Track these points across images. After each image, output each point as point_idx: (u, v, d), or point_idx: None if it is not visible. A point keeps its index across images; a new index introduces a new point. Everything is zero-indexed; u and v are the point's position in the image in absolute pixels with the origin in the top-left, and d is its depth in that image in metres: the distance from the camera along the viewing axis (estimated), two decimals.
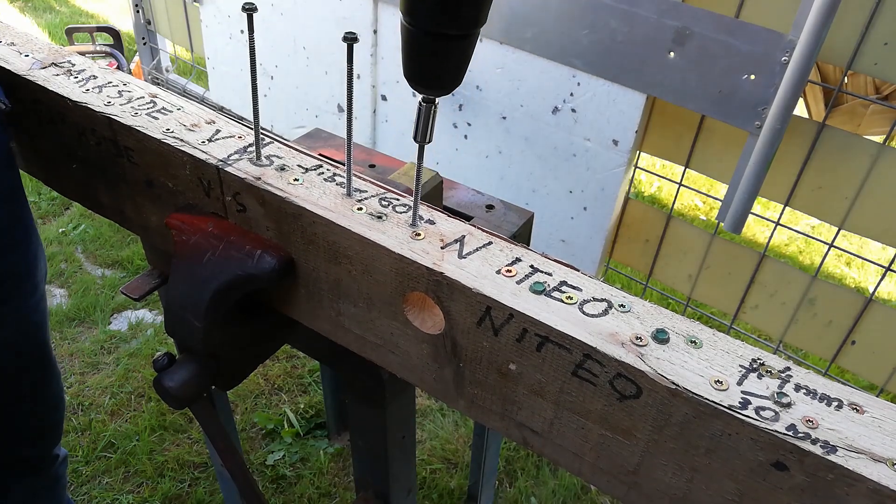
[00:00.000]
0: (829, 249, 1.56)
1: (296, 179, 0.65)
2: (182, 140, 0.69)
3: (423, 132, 0.53)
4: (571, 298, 0.54)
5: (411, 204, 0.63)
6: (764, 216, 2.07)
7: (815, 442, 0.44)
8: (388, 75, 1.99)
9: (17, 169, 0.82)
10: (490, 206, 1.00)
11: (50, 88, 0.76)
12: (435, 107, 0.52)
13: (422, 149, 0.57)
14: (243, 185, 0.65)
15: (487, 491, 1.57)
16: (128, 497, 1.71)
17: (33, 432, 1.02)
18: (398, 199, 0.64)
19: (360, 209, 0.62)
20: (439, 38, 0.47)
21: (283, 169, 0.66)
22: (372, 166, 1.03)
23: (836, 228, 1.51)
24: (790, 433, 0.44)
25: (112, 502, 1.70)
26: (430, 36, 0.47)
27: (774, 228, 1.62)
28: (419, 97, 0.52)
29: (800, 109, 1.42)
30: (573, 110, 1.61)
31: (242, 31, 2.38)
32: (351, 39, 0.54)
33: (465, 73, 0.50)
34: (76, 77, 0.79)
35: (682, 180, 1.69)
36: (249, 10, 0.56)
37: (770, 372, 0.49)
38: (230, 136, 0.71)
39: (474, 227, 0.61)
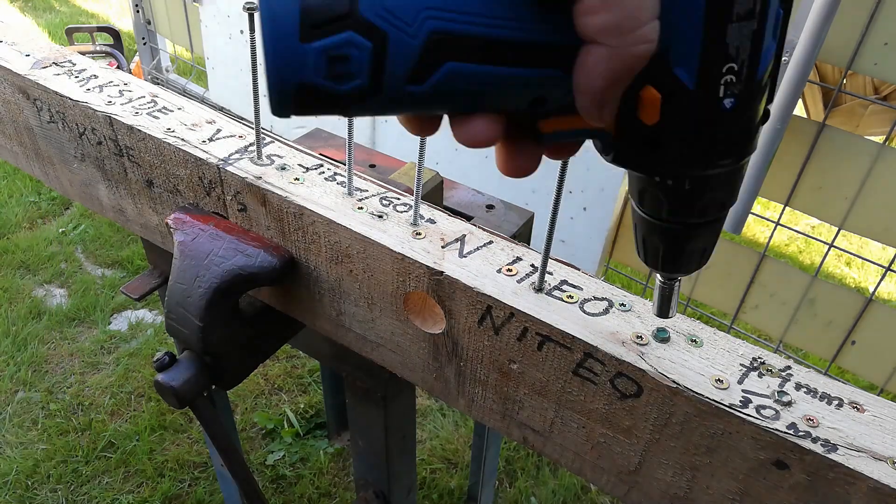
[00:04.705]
0: (829, 249, 1.56)
1: (297, 179, 0.65)
2: (183, 139, 0.69)
3: (666, 309, 0.47)
4: (572, 297, 0.54)
5: (412, 203, 0.63)
6: (764, 216, 2.08)
7: (815, 440, 0.44)
8: None
9: None
10: (490, 206, 1.00)
11: (51, 88, 0.76)
12: (679, 283, 0.45)
13: (422, 153, 0.57)
14: (244, 184, 0.65)
15: (487, 491, 1.57)
16: (128, 497, 1.71)
17: None
18: (399, 199, 0.64)
19: (361, 208, 0.62)
20: (699, 226, 0.39)
21: (283, 168, 0.66)
22: (372, 166, 1.03)
23: (836, 228, 1.51)
24: (791, 432, 0.44)
25: (112, 502, 1.70)
26: (686, 227, 0.39)
27: (774, 228, 1.63)
28: None
29: (798, 109, 1.42)
30: None
31: (242, 31, 2.38)
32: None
33: (712, 253, 0.42)
34: (77, 77, 0.79)
35: None
36: (250, 9, 0.57)
37: (770, 371, 0.49)
38: (231, 136, 0.71)
39: (475, 226, 0.61)
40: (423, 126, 0.36)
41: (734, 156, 0.35)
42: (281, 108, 0.31)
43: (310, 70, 0.29)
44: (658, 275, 0.44)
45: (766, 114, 0.35)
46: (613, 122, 0.35)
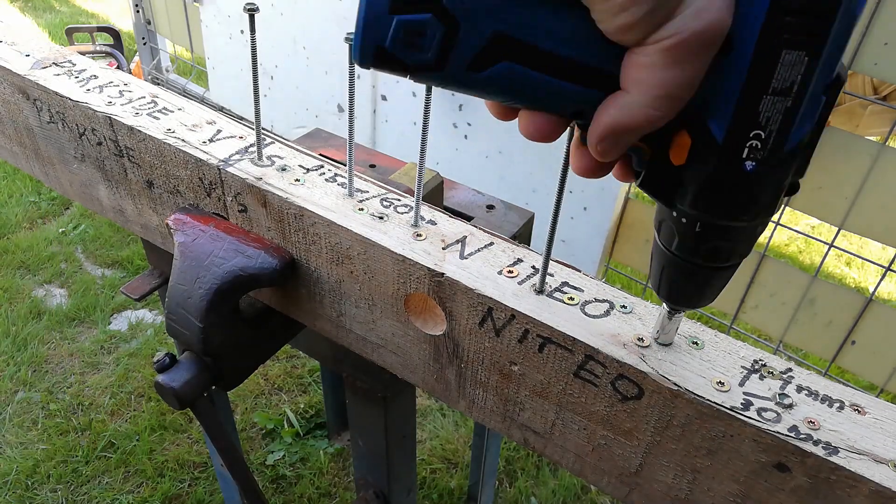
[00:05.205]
0: (829, 249, 1.56)
1: (297, 180, 0.65)
2: (183, 140, 0.69)
3: (667, 335, 0.50)
4: (573, 299, 0.54)
5: (412, 204, 0.63)
6: None
7: (816, 443, 0.44)
8: (388, 76, 1.99)
9: None
10: (490, 207, 1.00)
11: (51, 88, 0.76)
12: (682, 314, 0.49)
13: (423, 153, 0.57)
14: (244, 185, 0.65)
15: (487, 491, 1.57)
16: (128, 497, 1.71)
17: None
18: (399, 200, 0.64)
19: (362, 210, 0.62)
20: (703, 268, 0.42)
21: (284, 169, 0.66)
22: (372, 166, 1.03)
23: (836, 228, 1.51)
24: (792, 434, 0.44)
25: (112, 502, 1.70)
26: (692, 266, 0.42)
27: (774, 228, 1.63)
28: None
29: None
30: None
31: (242, 31, 2.38)
32: (352, 40, 0.54)
33: (717, 296, 0.45)
34: (77, 77, 0.79)
35: None
36: (251, 10, 0.56)
37: (772, 373, 0.49)
38: (231, 137, 0.71)
39: (476, 227, 0.61)
40: (505, 113, 0.40)
41: (747, 215, 0.37)
42: (361, 61, 0.36)
43: (389, 37, 0.34)
44: (665, 304, 0.47)
45: (795, 186, 0.37)
46: (648, 151, 0.38)
